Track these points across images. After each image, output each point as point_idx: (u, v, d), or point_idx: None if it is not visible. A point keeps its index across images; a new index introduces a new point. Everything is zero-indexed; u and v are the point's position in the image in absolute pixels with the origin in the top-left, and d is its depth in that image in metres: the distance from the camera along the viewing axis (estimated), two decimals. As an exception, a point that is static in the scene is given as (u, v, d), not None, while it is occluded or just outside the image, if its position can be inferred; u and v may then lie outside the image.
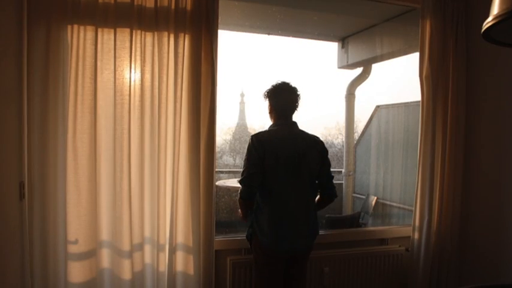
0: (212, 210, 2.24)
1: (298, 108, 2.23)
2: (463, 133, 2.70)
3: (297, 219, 2.15)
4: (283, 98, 2.21)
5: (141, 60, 2.11)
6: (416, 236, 2.70)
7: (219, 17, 2.24)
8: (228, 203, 4.23)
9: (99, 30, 2.03)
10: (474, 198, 2.70)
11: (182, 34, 2.16)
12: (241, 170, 2.14)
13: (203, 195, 2.21)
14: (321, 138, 2.29)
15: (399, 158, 4.09)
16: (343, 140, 5.32)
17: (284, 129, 2.19)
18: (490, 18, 0.89)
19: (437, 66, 2.63)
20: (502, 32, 0.98)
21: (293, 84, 2.22)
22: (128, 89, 2.09)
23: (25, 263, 1.93)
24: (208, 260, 2.24)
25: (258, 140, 2.12)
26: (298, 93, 2.22)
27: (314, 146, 2.21)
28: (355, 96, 4.94)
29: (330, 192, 2.26)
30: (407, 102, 4.10)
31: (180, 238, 2.20)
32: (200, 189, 2.20)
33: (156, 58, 2.13)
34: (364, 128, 5.30)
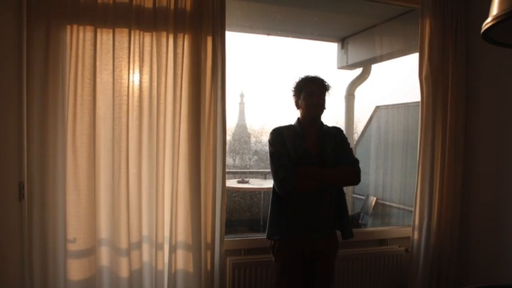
0: (214, 209, 2.24)
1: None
2: (463, 133, 2.70)
3: None
4: None
5: (139, 60, 2.11)
6: (416, 236, 2.70)
7: (218, 18, 2.22)
8: (228, 203, 4.21)
9: (98, 30, 2.03)
10: (474, 198, 2.70)
11: (181, 34, 2.16)
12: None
13: (204, 195, 2.21)
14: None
15: (399, 159, 4.08)
16: (343, 140, 5.29)
17: None
18: (489, 19, 0.88)
19: (437, 67, 2.63)
20: (502, 33, 0.97)
21: None
22: (127, 90, 2.09)
23: (25, 263, 1.93)
24: (209, 258, 2.24)
25: None
26: None
27: None
28: (355, 97, 4.92)
29: None
30: (407, 103, 4.10)
31: (180, 237, 2.20)
32: (201, 188, 2.20)
33: (154, 59, 2.13)
34: (364, 129, 5.29)
